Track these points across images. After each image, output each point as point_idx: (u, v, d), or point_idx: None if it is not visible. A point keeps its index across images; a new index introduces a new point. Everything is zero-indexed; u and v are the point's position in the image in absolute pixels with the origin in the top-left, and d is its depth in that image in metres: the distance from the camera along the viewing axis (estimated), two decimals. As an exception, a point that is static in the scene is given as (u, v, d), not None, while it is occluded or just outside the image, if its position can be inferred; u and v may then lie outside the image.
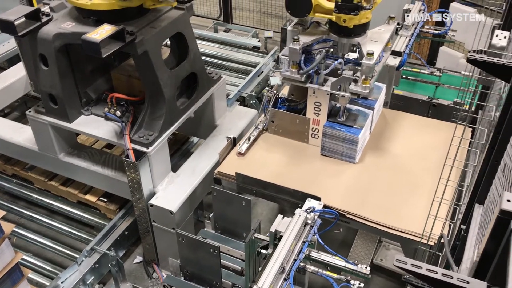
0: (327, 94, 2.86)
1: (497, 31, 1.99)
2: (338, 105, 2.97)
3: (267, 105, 3.16)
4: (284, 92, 3.32)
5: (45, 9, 3.07)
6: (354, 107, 3.04)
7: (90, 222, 3.72)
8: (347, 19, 2.63)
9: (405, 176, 2.89)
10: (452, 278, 1.04)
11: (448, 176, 2.12)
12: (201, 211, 3.82)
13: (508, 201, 1.01)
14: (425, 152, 3.04)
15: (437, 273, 1.05)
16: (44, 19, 2.99)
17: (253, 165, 2.99)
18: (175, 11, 3.16)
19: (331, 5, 2.65)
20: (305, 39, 2.79)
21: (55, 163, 3.49)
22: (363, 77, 2.64)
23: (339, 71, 2.78)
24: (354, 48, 2.83)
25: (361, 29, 2.78)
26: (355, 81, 2.68)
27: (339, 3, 2.58)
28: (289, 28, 2.99)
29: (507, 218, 0.98)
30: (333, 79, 2.79)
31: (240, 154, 3.06)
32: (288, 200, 2.80)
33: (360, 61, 2.64)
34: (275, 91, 3.16)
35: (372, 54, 2.58)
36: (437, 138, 3.10)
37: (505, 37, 1.95)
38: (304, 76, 2.80)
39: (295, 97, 3.19)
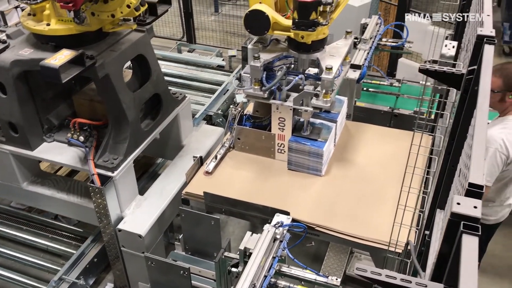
0: (290, 109, 2.90)
1: (445, 41, 2.07)
2: (301, 119, 3.01)
3: (233, 122, 3.18)
4: (249, 109, 3.34)
5: (1, 36, 3.03)
6: (318, 121, 3.09)
7: (57, 251, 3.63)
8: (305, 35, 2.68)
9: (370, 185, 2.93)
10: (410, 282, 1.06)
11: (410, 183, 2.17)
12: (171, 233, 3.77)
13: (458, 204, 1.05)
14: (388, 161, 3.10)
15: (396, 278, 1.07)
16: (0, 46, 2.94)
17: (221, 183, 2.99)
18: (135, 34, 3.16)
19: (289, 23, 2.71)
20: (265, 57, 2.83)
21: (18, 192, 3.40)
22: (324, 91, 2.69)
23: (300, 87, 2.83)
24: (315, 63, 2.88)
25: (319, 44, 2.84)
26: (317, 96, 2.72)
27: (296, 20, 2.63)
28: (249, 46, 3.03)
29: (458, 220, 1.02)
30: (296, 94, 2.84)
31: (207, 173, 3.05)
32: (258, 216, 2.80)
33: (320, 76, 2.69)
34: (239, 109, 3.18)
35: (331, 68, 2.64)
36: (399, 147, 3.17)
37: (453, 47, 2.04)
38: (267, 92, 2.84)
39: (259, 114, 3.22)
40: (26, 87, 3.01)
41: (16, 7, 4.75)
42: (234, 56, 5.83)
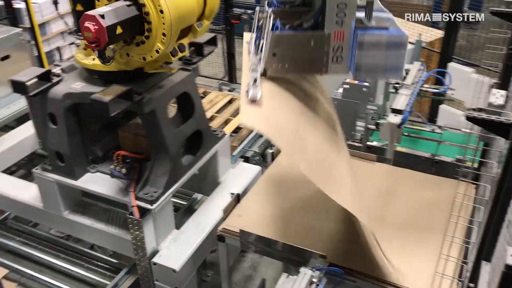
0: None
1: (493, 90, 2.05)
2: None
3: (259, 34, 2.17)
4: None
5: (56, 70, 3.19)
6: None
7: (92, 281, 3.66)
8: None
9: (410, 232, 2.86)
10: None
11: (454, 232, 2.11)
12: (204, 270, 3.76)
13: (512, 256, 1.02)
14: (429, 208, 3.03)
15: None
16: (55, 79, 3.10)
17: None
18: (182, 72, 3.27)
19: None
20: None
21: (60, 220, 3.48)
22: None
23: None
24: None
25: None
26: None
27: None
28: None
29: (512, 273, 0.99)
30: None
31: (254, 102, 2.09)
32: (293, 259, 2.76)
33: None
34: (270, 10, 2.23)
35: None
36: (441, 195, 3.10)
37: (501, 96, 2.02)
38: None
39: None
40: (75, 119, 3.13)
41: (71, 44, 5.01)
42: (273, 96, 5.90)
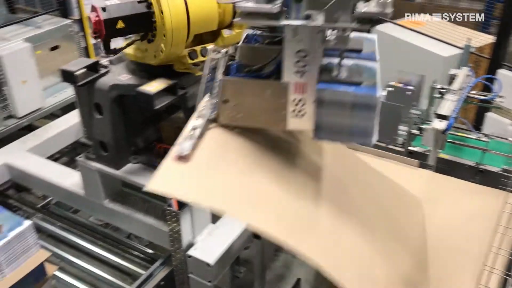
0: (318, 32, 1.73)
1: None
2: (325, 60, 1.87)
3: (212, 77, 1.94)
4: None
5: (104, 61, 3.26)
6: (350, 62, 1.96)
7: (127, 269, 3.74)
8: None
9: (452, 242, 2.79)
10: None
11: (499, 244, 2.04)
12: (237, 266, 3.77)
13: None
14: (471, 218, 2.94)
15: None
16: (102, 70, 3.17)
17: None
18: (224, 68, 3.28)
19: None
20: None
21: (100, 208, 3.57)
22: None
23: None
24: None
25: None
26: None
27: None
28: None
29: None
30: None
31: (181, 158, 1.77)
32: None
33: None
34: (225, 51, 1.99)
35: None
36: (484, 205, 3.00)
37: (559, 105, 1.93)
38: (278, 5, 1.65)
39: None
40: (120, 110, 3.20)
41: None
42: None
